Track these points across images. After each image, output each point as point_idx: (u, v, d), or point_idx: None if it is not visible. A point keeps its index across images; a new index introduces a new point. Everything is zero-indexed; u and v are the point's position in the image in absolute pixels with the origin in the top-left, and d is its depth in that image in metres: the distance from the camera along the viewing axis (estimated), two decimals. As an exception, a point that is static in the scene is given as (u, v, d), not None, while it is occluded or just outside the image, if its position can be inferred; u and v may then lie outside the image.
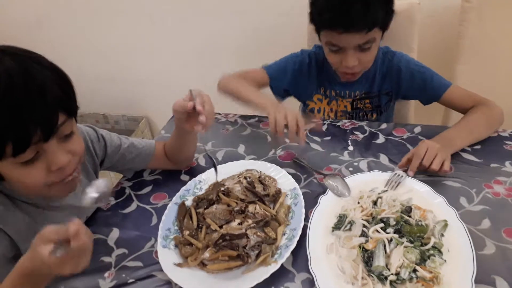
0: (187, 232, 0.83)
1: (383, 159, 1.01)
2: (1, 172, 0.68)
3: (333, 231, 0.80)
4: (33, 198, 0.79)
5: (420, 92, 1.18)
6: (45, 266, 0.59)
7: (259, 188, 0.91)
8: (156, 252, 0.81)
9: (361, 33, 1.02)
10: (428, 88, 1.15)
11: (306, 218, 0.83)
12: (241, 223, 0.82)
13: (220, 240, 0.78)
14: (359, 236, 0.76)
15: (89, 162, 0.93)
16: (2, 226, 0.74)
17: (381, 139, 1.09)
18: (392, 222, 0.76)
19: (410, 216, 0.78)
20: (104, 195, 0.68)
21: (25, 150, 0.64)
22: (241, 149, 1.12)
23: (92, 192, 0.68)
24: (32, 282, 0.64)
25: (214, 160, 0.98)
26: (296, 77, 1.27)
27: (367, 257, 0.72)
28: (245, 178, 0.94)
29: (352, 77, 1.18)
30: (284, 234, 0.81)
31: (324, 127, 1.17)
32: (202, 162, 1.08)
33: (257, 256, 0.77)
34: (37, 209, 0.80)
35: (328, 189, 0.90)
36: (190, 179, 0.99)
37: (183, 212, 0.89)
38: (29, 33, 2.07)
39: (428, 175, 0.93)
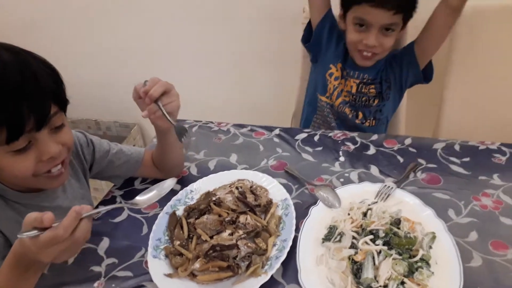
0: (178, 242, 0.83)
1: (374, 170, 1.02)
2: None
3: (323, 242, 0.80)
4: (24, 198, 0.81)
5: (409, 62, 1.27)
6: (25, 249, 0.61)
7: (250, 198, 0.91)
8: (146, 262, 0.81)
9: (390, 12, 1.13)
10: (406, 52, 1.27)
11: (297, 229, 0.83)
12: (232, 234, 0.82)
13: (211, 251, 0.78)
14: (349, 248, 0.76)
15: (79, 166, 0.95)
16: None
17: (372, 150, 1.10)
18: (382, 234, 0.77)
19: (399, 228, 0.78)
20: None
21: (18, 138, 0.68)
22: (233, 158, 1.12)
23: None
24: (23, 265, 0.65)
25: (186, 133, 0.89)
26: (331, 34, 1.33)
27: (356, 269, 0.72)
28: (236, 188, 0.94)
29: (369, 59, 1.24)
30: (274, 245, 0.82)
31: (316, 138, 1.18)
32: (193, 171, 1.08)
33: (248, 267, 0.77)
34: (27, 210, 0.80)
35: (319, 200, 0.91)
36: (181, 189, 0.99)
37: (174, 222, 0.89)
38: (23, 35, 2.06)
39: (418, 187, 0.94)
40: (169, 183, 0.79)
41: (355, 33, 1.22)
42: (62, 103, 0.76)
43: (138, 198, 0.76)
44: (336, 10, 1.31)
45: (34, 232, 0.59)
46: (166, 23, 1.90)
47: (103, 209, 0.70)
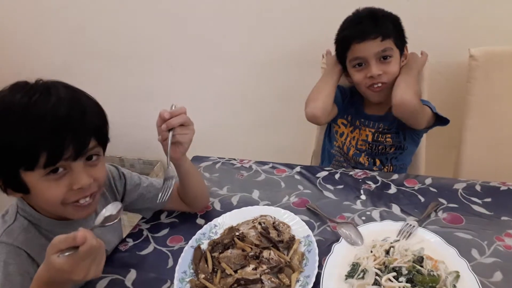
0: (203, 276, 0.85)
1: (395, 209, 1.03)
2: (29, 183, 0.75)
3: (346, 279, 0.81)
4: (57, 227, 0.85)
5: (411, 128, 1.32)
6: (59, 272, 0.63)
7: (273, 234, 0.93)
8: (172, 294, 0.82)
9: (376, 40, 1.21)
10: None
11: (320, 266, 0.84)
12: (255, 268, 0.83)
13: (235, 285, 0.80)
14: (372, 285, 0.77)
15: (111, 197, 0.99)
16: (29, 252, 0.80)
17: (392, 189, 1.12)
18: (404, 271, 0.77)
19: (422, 266, 0.79)
20: (112, 217, 0.74)
21: (55, 163, 0.73)
22: (255, 194, 1.15)
23: (105, 213, 0.73)
24: None
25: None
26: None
27: (380, 306, 0.73)
28: (259, 223, 0.96)
29: (381, 91, 1.28)
30: (298, 281, 0.83)
31: (337, 176, 1.20)
32: (217, 206, 1.11)
33: (271, 302, 0.78)
34: None
35: (341, 237, 0.92)
36: (205, 223, 1.02)
37: (199, 255, 0.91)
38: (54, 77, 2.18)
39: (440, 226, 0.95)
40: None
41: (358, 73, 1.28)
42: (102, 140, 0.82)
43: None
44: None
45: (71, 251, 0.62)
46: (189, 63, 1.99)
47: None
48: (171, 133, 0.89)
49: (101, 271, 0.68)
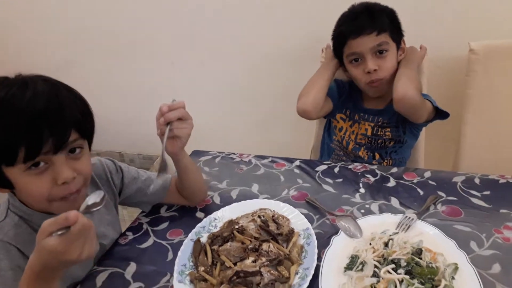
0: (202, 268, 0.85)
1: (394, 202, 1.04)
2: (11, 178, 0.75)
3: (345, 271, 0.81)
4: (45, 218, 0.83)
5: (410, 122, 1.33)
6: (52, 254, 0.63)
7: (272, 227, 0.93)
8: (172, 287, 0.83)
9: (371, 35, 1.21)
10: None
11: (319, 258, 0.84)
12: (255, 261, 0.84)
13: (235, 277, 0.80)
14: (371, 277, 0.77)
15: (108, 192, 0.99)
16: (20, 247, 0.80)
17: (392, 183, 1.12)
18: (403, 264, 0.78)
19: (420, 258, 0.79)
20: (96, 204, 0.73)
21: (34, 158, 0.72)
22: (254, 188, 1.15)
23: (88, 201, 0.72)
24: (44, 278, 0.67)
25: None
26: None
27: (379, 298, 0.73)
28: (259, 216, 0.97)
29: (379, 86, 1.28)
30: (297, 273, 0.83)
31: (336, 169, 1.21)
32: (217, 200, 1.12)
33: (271, 294, 0.78)
34: None
35: (340, 230, 0.92)
36: (205, 216, 1.02)
37: (198, 248, 0.92)
38: (55, 74, 2.18)
39: (439, 219, 0.95)
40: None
41: (355, 69, 1.29)
42: (85, 132, 0.80)
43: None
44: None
45: (63, 231, 0.62)
46: (190, 59, 1.99)
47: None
48: (168, 127, 0.89)
49: (93, 253, 0.68)
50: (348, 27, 1.25)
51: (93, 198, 0.72)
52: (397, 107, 1.22)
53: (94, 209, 0.72)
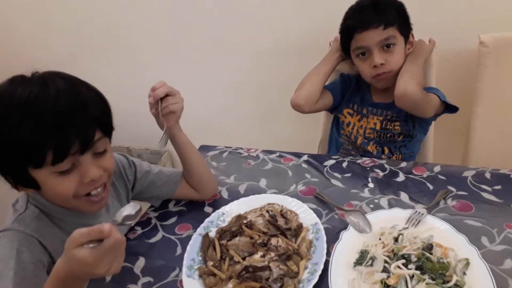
0: (211, 263, 0.85)
1: (404, 197, 1.03)
2: (38, 180, 0.75)
3: (355, 266, 0.81)
4: (69, 215, 0.85)
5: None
6: (80, 266, 0.61)
7: (281, 222, 0.93)
8: (180, 281, 0.83)
9: (378, 29, 1.19)
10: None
11: (328, 253, 0.84)
12: (263, 256, 0.84)
13: (244, 272, 0.80)
14: (381, 272, 0.77)
15: (121, 187, 0.99)
16: (41, 240, 0.80)
17: (401, 177, 1.11)
18: (414, 259, 0.77)
19: (431, 254, 0.78)
20: (131, 217, 0.69)
21: (63, 160, 0.72)
22: (262, 183, 1.15)
23: (123, 211, 0.69)
24: (68, 286, 0.66)
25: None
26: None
27: (389, 293, 0.73)
28: (267, 211, 0.96)
29: (385, 79, 1.27)
30: (306, 268, 0.83)
31: (344, 164, 1.20)
32: (225, 195, 1.11)
33: (280, 288, 0.78)
34: (71, 228, 0.83)
35: (349, 225, 0.92)
36: (213, 211, 1.02)
37: (207, 243, 0.92)
38: (61, 68, 2.19)
39: (449, 214, 0.94)
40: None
41: (362, 63, 1.28)
42: (107, 130, 0.81)
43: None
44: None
45: (95, 244, 0.60)
46: (195, 53, 1.98)
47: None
48: (159, 103, 0.94)
49: (120, 269, 0.65)
50: (355, 21, 1.24)
51: (128, 210, 0.69)
52: (398, 104, 1.22)
53: (128, 222, 0.69)
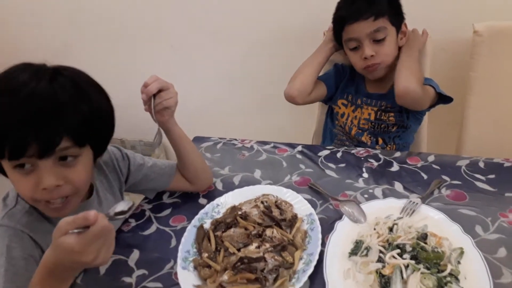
0: (206, 255, 0.85)
1: (398, 186, 1.03)
2: (6, 170, 0.75)
3: (349, 256, 0.81)
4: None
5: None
6: (67, 253, 0.60)
7: (275, 212, 0.93)
8: (175, 273, 0.82)
9: (369, 20, 1.18)
10: None
11: (323, 244, 0.84)
12: (258, 247, 0.83)
13: (239, 263, 0.80)
14: (376, 262, 0.77)
15: (115, 179, 0.98)
16: (32, 235, 0.79)
17: (395, 167, 1.11)
18: (408, 249, 0.77)
19: (426, 243, 0.79)
20: (123, 212, 0.69)
21: (18, 158, 0.70)
22: (257, 174, 1.14)
23: (116, 208, 0.68)
24: (57, 276, 0.65)
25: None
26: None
27: (384, 283, 0.73)
28: (262, 202, 0.96)
29: (375, 70, 1.26)
30: (301, 258, 0.83)
31: (339, 154, 1.20)
32: (219, 186, 1.11)
33: (275, 280, 0.78)
34: None
35: (344, 215, 0.92)
36: (208, 203, 1.01)
37: (202, 235, 0.91)
38: (55, 59, 2.16)
39: (444, 203, 0.95)
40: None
41: (354, 55, 1.27)
42: (82, 141, 0.75)
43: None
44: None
45: (81, 229, 0.59)
46: (190, 43, 1.96)
47: None
48: (152, 99, 0.91)
49: (109, 258, 0.65)
50: (346, 12, 1.23)
51: (121, 206, 0.68)
52: (399, 102, 1.21)
53: (120, 217, 0.68)
